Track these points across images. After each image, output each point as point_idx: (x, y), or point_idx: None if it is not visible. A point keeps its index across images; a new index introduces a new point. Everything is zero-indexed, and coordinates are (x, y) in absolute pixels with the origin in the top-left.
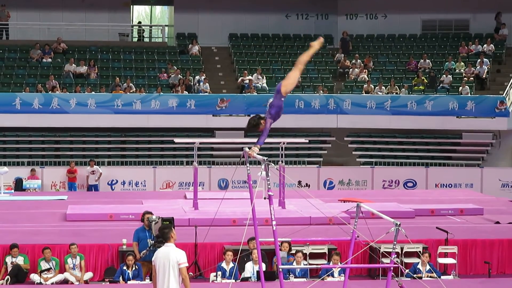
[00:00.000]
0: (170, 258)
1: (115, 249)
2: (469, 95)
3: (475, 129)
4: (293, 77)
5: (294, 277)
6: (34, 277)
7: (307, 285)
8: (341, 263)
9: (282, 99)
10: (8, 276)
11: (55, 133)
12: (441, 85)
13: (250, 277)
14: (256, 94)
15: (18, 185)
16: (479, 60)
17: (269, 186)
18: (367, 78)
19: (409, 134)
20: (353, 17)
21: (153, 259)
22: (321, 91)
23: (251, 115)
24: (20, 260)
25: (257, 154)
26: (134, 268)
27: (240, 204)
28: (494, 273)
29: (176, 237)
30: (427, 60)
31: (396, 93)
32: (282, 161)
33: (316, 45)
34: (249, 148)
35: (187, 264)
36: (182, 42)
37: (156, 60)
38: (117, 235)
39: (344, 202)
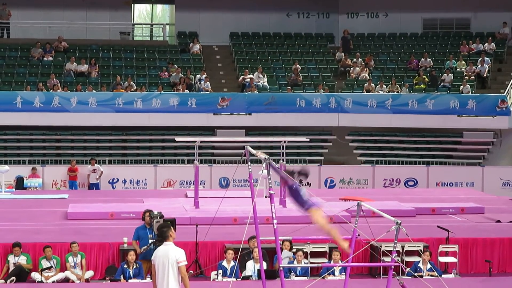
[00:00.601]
0: (169, 257)
1: (116, 248)
2: (470, 94)
3: (476, 128)
4: (325, 227)
5: (295, 276)
6: (35, 275)
7: (308, 283)
8: (342, 262)
9: (304, 212)
10: (10, 275)
11: (56, 131)
12: (442, 84)
13: (251, 276)
14: (257, 92)
15: (19, 184)
16: (480, 59)
17: (270, 185)
18: (368, 77)
19: (410, 133)
20: (354, 15)
21: (152, 258)
22: (322, 90)
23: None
24: (22, 259)
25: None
26: (135, 267)
27: (241, 203)
28: (495, 271)
29: (175, 236)
30: (428, 59)
31: (397, 92)
32: (283, 160)
33: (343, 246)
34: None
35: (186, 263)
36: (183, 40)
37: (157, 59)
38: (118, 234)
39: (345, 200)
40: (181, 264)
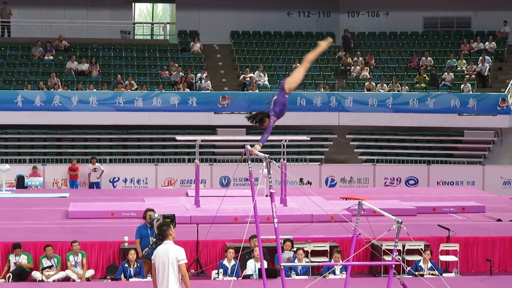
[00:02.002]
0: (169, 256)
1: (117, 247)
2: (471, 92)
3: (477, 127)
4: (297, 74)
5: (296, 275)
6: (36, 274)
7: (309, 282)
8: (342, 261)
9: (286, 96)
10: (10, 274)
11: (57, 130)
12: (442, 82)
13: (252, 275)
14: (258, 91)
15: (20, 183)
16: (480, 57)
17: (270, 184)
18: (368, 76)
19: (410, 132)
20: (354, 14)
21: (152, 257)
22: (323, 89)
23: (253, 112)
24: (23, 258)
25: (259, 151)
26: (135, 266)
27: (242, 202)
28: (496, 270)
29: (175, 235)
30: (429, 58)
31: (398, 91)
32: (283, 159)
33: (324, 44)
34: (252, 146)
35: (186, 261)
36: (184, 39)
37: (158, 58)
38: (119, 233)
39: (345, 199)
40: (181, 262)
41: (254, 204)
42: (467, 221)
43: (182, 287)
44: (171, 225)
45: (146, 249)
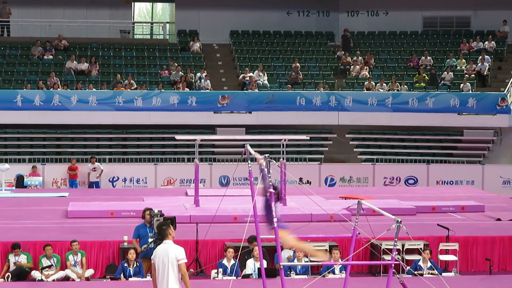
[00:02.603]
0: (169, 255)
1: (116, 246)
2: (470, 92)
3: (476, 126)
4: (290, 242)
5: (295, 274)
6: (35, 274)
7: (308, 282)
8: (342, 260)
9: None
10: (9, 273)
11: (56, 130)
12: (442, 82)
13: (251, 274)
14: (257, 91)
15: (19, 182)
16: (480, 57)
17: (270, 183)
18: (368, 75)
19: (410, 131)
20: (354, 14)
21: (152, 257)
22: (322, 88)
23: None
24: (23, 258)
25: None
26: (135, 265)
27: (241, 201)
28: (495, 270)
29: (175, 235)
30: (429, 57)
31: (397, 90)
32: (283, 158)
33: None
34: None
35: (186, 260)
36: (183, 39)
37: (157, 57)
38: (118, 232)
39: (345, 199)
40: (181, 262)
41: (254, 203)
42: (466, 220)
43: (182, 286)
44: (170, 225)
45: (145, 245)
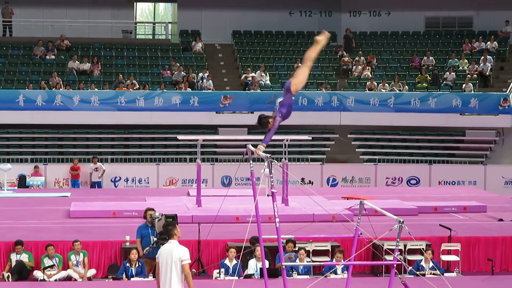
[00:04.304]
0: (173, 255)
1: (118, 246)
2: (473, 92)
3: (479, 127)
4: (302, 75)
5: (297, 274)
6: (37, 274)
7: (310, 282)
8: (344, 260)
9: (293, 97)
10: (8, 273)
11: (59, 130)
12: (444, 82)
13: (253, 274)
14: (259, 91)
15: (22, 182)
16: (482, 57)
17: (272, 183)
18: (370, 75)
19: (412, 131)
20: (356, 14)
21: (156, 256)
22: (325, 88)
23: (261, 113)
24: (24, 257)
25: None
26: (137, 265)
27: (243, 201)
28: (497, 270)
29: (180, 235)
30: (431, 57)
31: (400, 90)
32: (285, 158)
33: (322, 40)
34: (255, 146)
35: (189, 261)
36: (186, 39)
37: (160, 57)
38: (120, 232)
39: (347, 199)
40: (185, 262)
41: (256, 203)
42: (468, 221)
43: (184, 286)
44: (176, 225)
45: (147, 248)
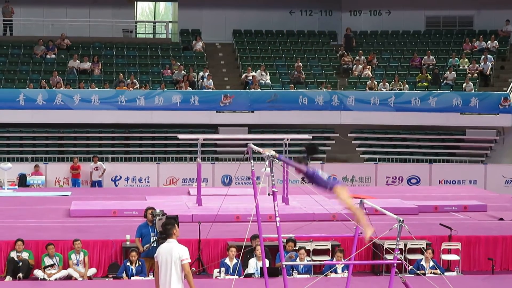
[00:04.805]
0: (173, 254)
1: (119, 245)
2: (473, 91)
3: (479, 126)
4: (350, 204)
5: (298, 274)
6: (38, 273)
7: (311, 281)
8: (344, 260)
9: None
10: (8, 275)
11: (59, 129)
12: (445, 81)
13: (254, 273)
14: (260, 90)
15: (22, 181)
16: (483, 56)
17: (273, 183)
18: (370, 75)
19: (412, 131)
20: (357, 13)
21: (155, 255)
22: (325, 88)
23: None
24: (25, 255)
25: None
26: (137, 264)
27: (244, 201)
28: (498, 269)
29: (179, 234)
30: (431, 57)
31: (400, 90)
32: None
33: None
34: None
35: (189, 260)
36: (186, 38)
37: (160, 57)
38: (121, 231)
39: None
40: (185, 262)
41: (256, 202)
42: (469, 220)
43: (184, 286)
44: (175, 224)
45: (147, 245)
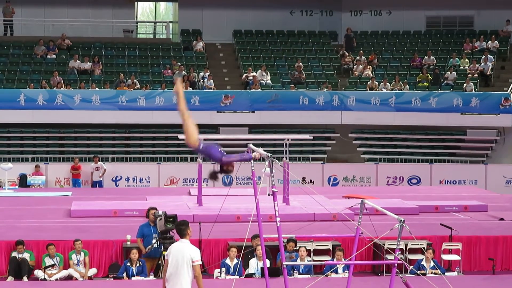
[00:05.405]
0: (185, 255)
1: (119, 245)
2: (474, 91)
3: (480, 126)
4: (189, 128)
5: (298, 274)
6: (38, 273)
7: (311, 281)
8: (345, 260)
9: (201, 147)
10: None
11: (60, 129)
12: (445, 81)
13: (254, 274)
14: (260, 90)
15: (23, 181)
16: (483, 56)
17: (273, 183)
18: (371, 75)
19: (413, 131)
20: (357, 13)
21: (166, 253)
22: (326, 88)
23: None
24: (26, 256)
25: (263, 150)
26: (138, 264)
27: (244, 201)
28: (498, 269)
29: (192, 234)
30: (432, 57)
31: (401, 90)
32: (286, 158)
33: (178, 89)
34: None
35: (200, 262)
36: (187, 38)
37: (161, 57)
38: (121, 231)
39: (348, 198)
40: (196, 263)
41: (257, 203)
42: (469, 220)
43: (193, 286)
44: (189, 224)
45: (149, 246)
